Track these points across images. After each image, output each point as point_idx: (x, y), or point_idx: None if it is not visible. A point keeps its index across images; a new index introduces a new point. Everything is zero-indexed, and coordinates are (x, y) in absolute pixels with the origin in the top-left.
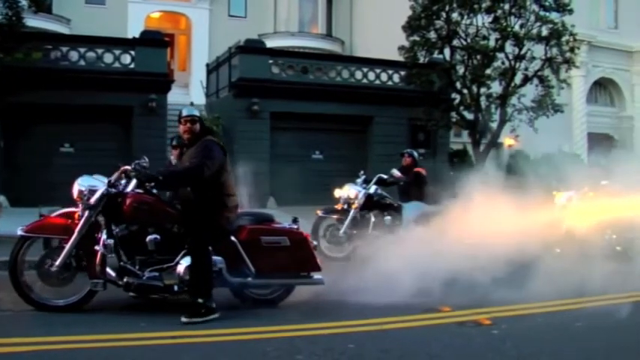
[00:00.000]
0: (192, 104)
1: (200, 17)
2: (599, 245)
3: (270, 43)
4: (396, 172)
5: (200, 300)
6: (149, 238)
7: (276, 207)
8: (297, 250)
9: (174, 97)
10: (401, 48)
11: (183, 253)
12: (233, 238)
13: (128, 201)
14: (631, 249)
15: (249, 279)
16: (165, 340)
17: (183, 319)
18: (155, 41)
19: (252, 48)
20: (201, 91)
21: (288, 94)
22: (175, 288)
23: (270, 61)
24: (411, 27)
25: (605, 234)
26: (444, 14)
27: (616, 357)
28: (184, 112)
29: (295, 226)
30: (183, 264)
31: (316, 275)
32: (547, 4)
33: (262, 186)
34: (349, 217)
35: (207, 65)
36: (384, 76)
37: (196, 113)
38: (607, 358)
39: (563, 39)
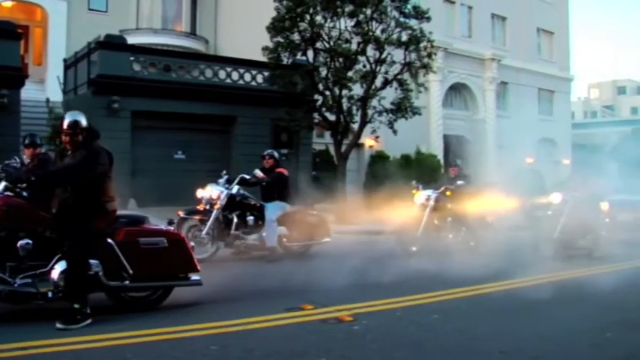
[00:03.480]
0: (48, 101)
1: (57, 9)
2: (455, 241)
3: (131, 40)
4: (258, 173)
5: (76, 305)
6: (20, 243)
7: (137, 208)
8: (174, 251)
9: (28, 93)
10: (265, 49)
11: (57, 257)
12: (110, 240)
13: None
14: (483, 244)
15: (127, 282)
16: (14, 352)
17: (59, 326)
18: (6, 32)
19: (113, 44)
20: (59, 87)
21: (150, 92)
22: (50, 294)
23: (132, 58)
24: (275, 28)
25: (461, 230)
26: (307, 17)
27: (472, 345)
28: (65, 124)
29: (171, 228)
30: (58, 269)
31: (194, 276)
32: (407, 11)
33: (122, 187)
34: (211, 218)
35: (65, 60)
36: (247, 77)
37: (79, 122)
38: (463, 346)
39: (422, 45)
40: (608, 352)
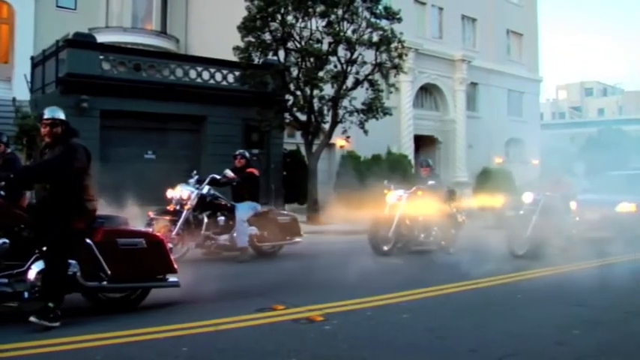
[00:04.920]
0: (14, 100)
1: (24, 6)
2: (426, 241)
3: (101, 38)
4: (229, 173)
5: (51, 304)
6: None
7: (106, 209)
8: (153, 252)
9: None
10: (236, 48)
11: (34, 257)
12: (88, 240)
13: None
14: (455, 244)
15: (105, 283)
16: None
17: (32, 319)
18: None
19: (82, 42)
20: (26, 86)
21: (120, 91)
22: (26, 295)
23: (101, 57)
24: (246, 28)
25: (432, 230)
26: (279, 16)
27: (442, 344)
28: (45, 114)
29: (150, 229)
30: (35, 269)
31: (172, 278)
32: (378, 11)
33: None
34: (182, 218)
35: (33, 58)
36: (218, 76)
37: (59, 115)
38: (434, 345)
39: (392, 45)
40: (575, 349)
